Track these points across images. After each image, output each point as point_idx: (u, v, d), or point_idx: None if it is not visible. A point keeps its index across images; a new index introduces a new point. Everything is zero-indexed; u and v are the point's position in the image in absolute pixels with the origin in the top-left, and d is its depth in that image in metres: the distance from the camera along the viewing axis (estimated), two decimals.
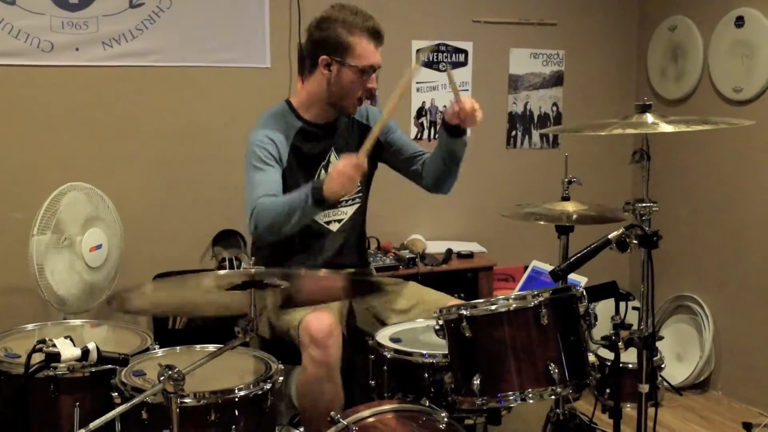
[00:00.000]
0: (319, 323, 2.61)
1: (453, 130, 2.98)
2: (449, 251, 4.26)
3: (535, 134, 4.80)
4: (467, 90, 4.58)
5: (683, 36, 4.54)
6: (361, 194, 3.10)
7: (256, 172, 2.83)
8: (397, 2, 4.36)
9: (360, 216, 3.13)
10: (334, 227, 3.04)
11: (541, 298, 2.29)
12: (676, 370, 4.43)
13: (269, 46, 4.12)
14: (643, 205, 2.45)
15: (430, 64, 4.49)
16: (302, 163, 2.94)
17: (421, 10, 4.45)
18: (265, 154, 2.85)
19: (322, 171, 2.99)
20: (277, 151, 2.87)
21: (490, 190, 4.68)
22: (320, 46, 2.87)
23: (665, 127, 2.41)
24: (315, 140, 2.97)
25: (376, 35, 2.85)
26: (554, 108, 4.81)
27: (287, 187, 2.84)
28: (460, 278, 4.20)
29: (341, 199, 2.76)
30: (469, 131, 3.01)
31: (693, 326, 4.52)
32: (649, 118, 2.45)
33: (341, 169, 2.61)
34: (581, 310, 2.38)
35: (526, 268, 3.97)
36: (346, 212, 3.07)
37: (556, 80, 4.80)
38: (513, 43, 4.68)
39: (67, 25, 3.75)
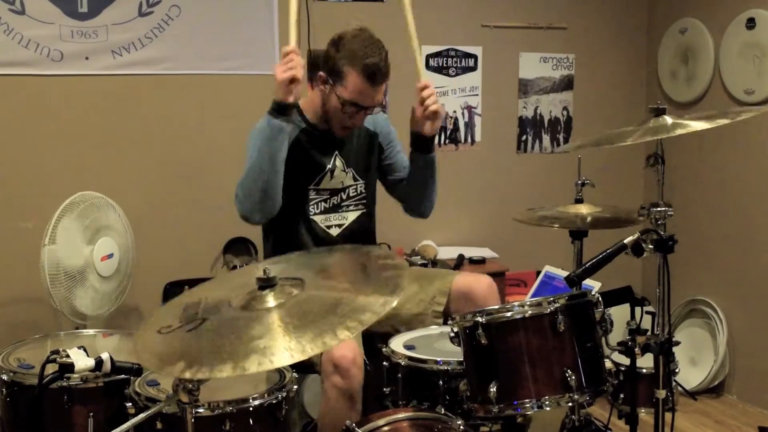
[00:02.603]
0: (344, 351, 2.54)
1: (418, 143, 3.01)
2: (461, 257, 4.24)
3: (546, 138, 4.78)
4: (477, 95, 4.57)
5: (694, 38, 4.52)
6: (365, 200, 3.09)
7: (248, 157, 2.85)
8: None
9: (365, 222, 3.12)
10: (335, 232, 3.03)
11: (557, 305, 2.27)
12: (690, 375, 4.40)
13: (278, 53, 4.11)
14: (659, 209, 2.43)
15: (439, 69, 4.48)
16: (304, 163, 2.94)
17: (430, 16, 4.44)
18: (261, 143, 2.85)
19: (328, 174, 2.99)
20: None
21: (501, 194, 4.67)
22: (324, 61, 2.88)
23: (695, 125, 2.37)
24: (319, 143, 2.97)
25: (372, 76, 2.78)
26: (565, 112, 4.79)
27: (287, 183, 2.82)
28: None
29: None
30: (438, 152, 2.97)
31: (707, 330, 4.49)
32: (668, 119, 2.43)
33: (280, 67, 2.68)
34: (597, 315, 2.36)
35: (538, 273, 3.94)
36: (347, 217, 3.06)
37: (567, 84, 4.79)
38: (522, 47, 4.67)
39: (76, 34, 3.76)
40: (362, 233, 3.11)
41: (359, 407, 2.60)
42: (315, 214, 3.00)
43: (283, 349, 1.70)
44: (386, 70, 2.84)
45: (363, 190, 3.08)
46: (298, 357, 1.67)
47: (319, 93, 2.91)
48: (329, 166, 2.99)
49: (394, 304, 1.82)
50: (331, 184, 3.00)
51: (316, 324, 1.77)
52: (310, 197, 2.98)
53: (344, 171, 3.02)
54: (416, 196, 3.16)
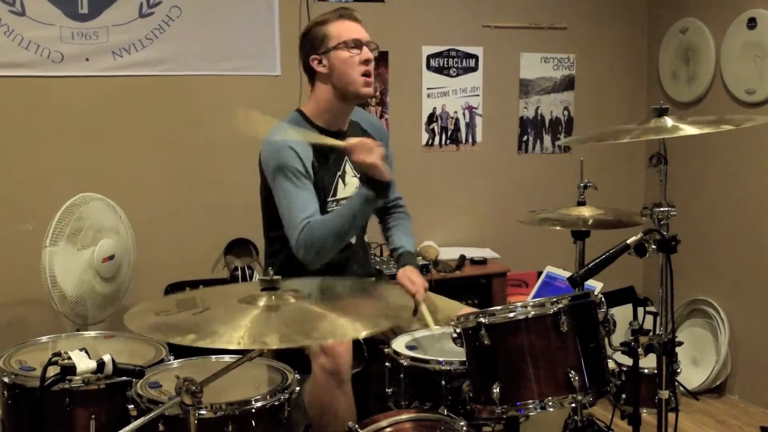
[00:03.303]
0: None
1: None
2: (462, 257, 4.24)
3: (547, 139, 4.78)
4: (478, 95, 4.56)
5: (695, 38, 4.52)
6: None
7: (293, 190, 2.79)
8: (407, 8, 4.35)
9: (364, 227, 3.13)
10: (353, 239, 3.03)
11: (560, 305, 2.27)
12: (692, 375, 4.39)
13: (279, 53, 4.12)
14: (662, 209, 2.43)
15: (440, 70, 4.48)
16: (323, 171, 2.92)
17: (430, 16, 4.44)
18: (296, 170, 2.81)
19: (340, 181, 2.97)
20: (302, 164, 2.83)
21: (502, 195, 4.67)
22: (306, 50, 2.93)
23: (689, 130, 2.38)
24: (330, 149, 2.95)
25: (347, 14, 2.91)
26: (566, 112, 4.79)
27: None
28: (473, 285, 4.18)
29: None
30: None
31: (708, 330, 4.48)
32: (669, 121, 2.43)
33: (371, 151, 2.65)
34: (600, 316, 2.36)
35: (539, 273, 3.93)
36: None
37: (567, 84, 4.78)
38: (523, 47, 4.66)
39: (77, 35, 3.75)
40: (360, 240, 3.12)
41: (348, 389, 2.62)
42: None
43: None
44: (355, 12, 2.96)
45: None
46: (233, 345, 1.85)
47: (323, 78, 2.91)
48: (339, 173, 2.98)
49: (362, 335, 1.97)
50: (345, 192, 2.98)
51: (282, 328, 1.97)
52: (329, 210, 2.95)
53: (354, 176, 2.99)
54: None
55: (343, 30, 2.88)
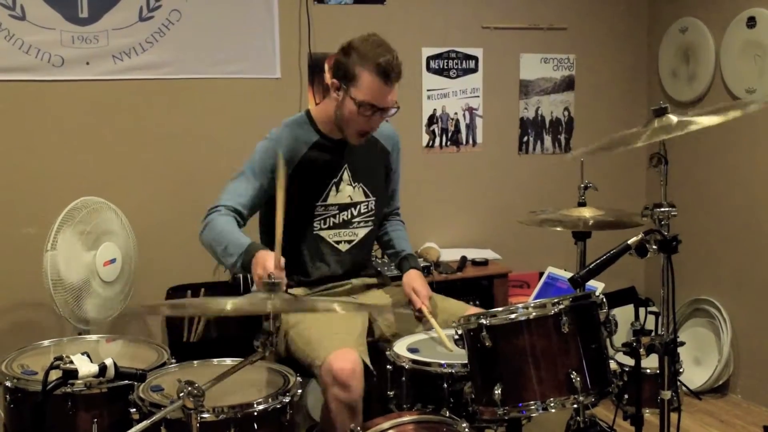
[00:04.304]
0: (343, 363, 2.55)
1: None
2: (464, 259, 4.24)
3: (547, 139, 4.78)
4: (478, 96, 4.56)
5: (694, 37, 4.52)
6: (374, 217, 3.09)
7: (239, 177, 2.90)
8: (406, 10, 4.36)
9: (372, 237, 3.14)
10: (344, 247, 3.03)
11: (561, 306, 2.26)
12: (694, 375, 4.39)
13: (279, 56, 4.12)
14: (662, 209, 2.42)
15: (440, 71, 4.48)
16: (313, 175, 2.93)
17: (430, 18, 4.44)
18: (261, 165, 2.86)
19: (333, 187, 2.97)
20: (271, 163, 2.85)
21: (503, 196, 4.67)
22: (336, 68, 2.86)
23: (702, 120, 2.35)
24: (329, 154, 2.95)
25: (385, 73, 2.77)
26: (566, 113, 4.79)
27: (292, 197, 2.74)
28: (475, 286, 4.18)
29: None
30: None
31: (711, 330, 4.48)
32: (673, 118, 2.42)
33: (265, 265, 2.54)
34: (602, 316, 2.36)
35: (541, 274, 3.92)
36: (357, 233, 3.05)
37: (567, 84, 4.78)
38: (523, 48, 4.66)
39: (77, 39, 3.75)
40: (365, 247, 3.13)
41: (360, 418, 2.60)
42: (321, 229, 2.98)
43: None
44: (399, 69, 2.82)
45: (374, 207, 3.07)
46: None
47: (333, 101, 2.88)
48: (335, 180, 2.97)
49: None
50: (337, 199, 2.98)
51: None
52: (317, 213, 2.96)
53: (351, 185, 2.99)
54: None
55: (368, 89, 2.78)
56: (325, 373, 2.57)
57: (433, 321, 2.86)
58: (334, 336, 2.68)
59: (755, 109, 2.45)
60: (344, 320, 2.81)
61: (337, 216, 2.99)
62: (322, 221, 2.98)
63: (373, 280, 3.16)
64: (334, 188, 2.97)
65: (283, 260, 2.42)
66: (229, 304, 1.97)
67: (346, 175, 2.98)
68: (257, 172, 2.87)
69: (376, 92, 2.78)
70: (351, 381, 2.55)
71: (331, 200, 2.97)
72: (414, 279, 3.00)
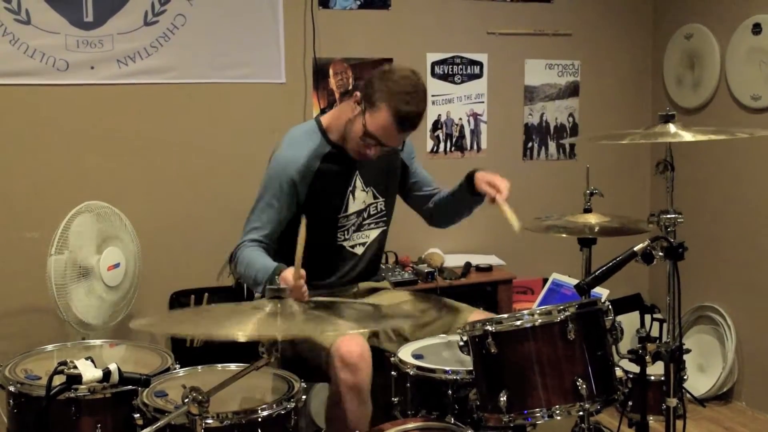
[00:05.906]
0: (351, 346, 2.58)
1: (479, 194, 3.02)
2: (468, 265, 4.23)
3: (552, 145, 4.77)
4: (483, 102, 4.56)
5: (699, 44, 4.51)
6: (385, 218, 3.10)
7: (255, 210, 2.90)
8: (411, 15, 4.35)
9: (383, 238, 3.15)
10: (359, 250, 3.05)
11: (567, 313, 2.26)
12: (698, 382, 4.37)
13: (284, 61, 4.11)
14: (668, 216, 2.42)
15: (445, 77, 4.47)
16: (328, 187, 2.93)
17: (435, 23, 4.44)
18: (276, 190, 2.86)
19: (350, 196, 2.97)
20: (293, 189, 2.86)
21: (508, 201, 4.64)
22: (366, 85, 2.83)
23: (692, 137, 2.37)
24: (341, 163, 2.94)
25: (402, 122, 2.75)
26: (570, 119, 4.78)
27: (310, 211, 2.68)
28: (479, 292, 4.16)
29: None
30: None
31: (715, 337, 4.47)
32: (672, 128, 2.42)
33: (286, 279, 2.51)
34: (607, 323, 2.35)
35: (545, 280, 3.92)
36: (369, 235, 3.07)
37: (572, 91, 4.78)
38: (528, 54, 4.66)
39: (82, 43, 3.75)
40: (379, 248, 3.14)
41: (368, 400, 2.61)
42: (344, 240, 3.00)
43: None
44: (417, 122, 2.80)
45: (383, 208, 3.08)
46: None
47: (349, 110, 2.86)
48: (350, 188, 2.98)
49: None
50: (355, 207, 2.99)
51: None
52: (340, 225, 2.97)
53: (364, 190, 3.01)
54: (446, 218, 3.22)
55: (381, 125, 2.76)
56: (334, 355, 2.60)
57: (506, 207, 2.94)
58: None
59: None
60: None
61: (355, 223, 3.02)
62: (345, 232, 3.00)
63: (378, 284, 3.16)
64: (350, 197, 2.98)
65: (303, 272, 2.41)
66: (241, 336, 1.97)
67: (358, 182, 2.99)
68: (272, 202, 2.88)
69: (387, 131, 2.78)
70: (360, 363, 2.58)
71: (351, 209, 2.99)
72: (485, 174, 3.01)
